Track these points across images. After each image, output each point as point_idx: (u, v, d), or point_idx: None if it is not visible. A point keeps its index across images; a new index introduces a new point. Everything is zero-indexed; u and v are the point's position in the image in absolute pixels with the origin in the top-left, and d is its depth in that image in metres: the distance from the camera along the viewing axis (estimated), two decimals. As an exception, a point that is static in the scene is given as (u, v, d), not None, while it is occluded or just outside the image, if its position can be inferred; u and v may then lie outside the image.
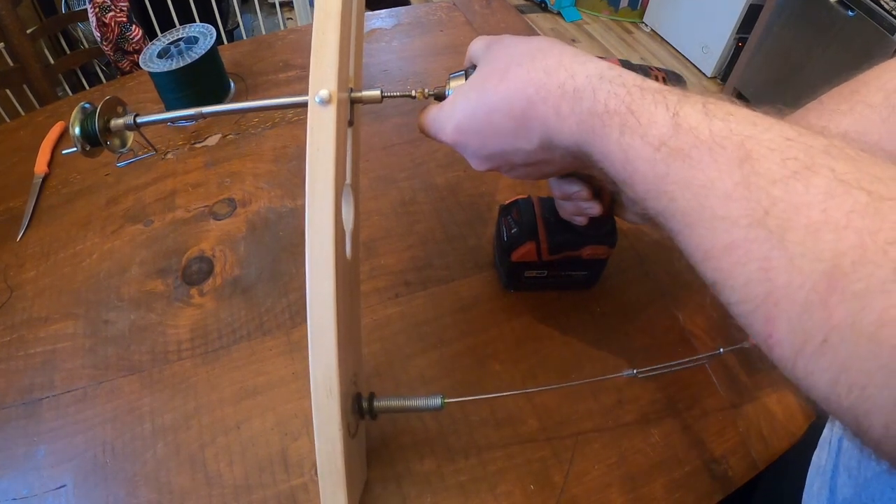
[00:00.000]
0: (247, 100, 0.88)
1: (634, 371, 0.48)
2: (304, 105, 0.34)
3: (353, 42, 0.41)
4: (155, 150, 0.49)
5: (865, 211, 0.21)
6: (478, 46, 0.41)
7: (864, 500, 0.38)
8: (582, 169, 0.41)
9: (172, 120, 0.43)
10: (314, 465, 0.50)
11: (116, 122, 0.43)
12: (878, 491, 0.37)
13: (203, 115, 0.43)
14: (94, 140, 0.42)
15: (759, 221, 0.24)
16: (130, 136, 0.46)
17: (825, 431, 0.48)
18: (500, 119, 0.36)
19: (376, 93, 0.41)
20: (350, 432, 0.38)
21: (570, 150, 0.34)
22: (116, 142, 0.45)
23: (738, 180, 0.25)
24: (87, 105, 0.43)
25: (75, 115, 0.42)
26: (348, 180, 0.38)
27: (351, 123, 0.41)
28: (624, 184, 0.31)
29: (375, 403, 0.45)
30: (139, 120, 0.43)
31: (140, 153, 0.47)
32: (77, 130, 0.42)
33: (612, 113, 0.30)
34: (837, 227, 0.21)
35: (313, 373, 0.33)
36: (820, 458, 0.47)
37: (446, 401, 0.45)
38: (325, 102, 0.33)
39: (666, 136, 0.28)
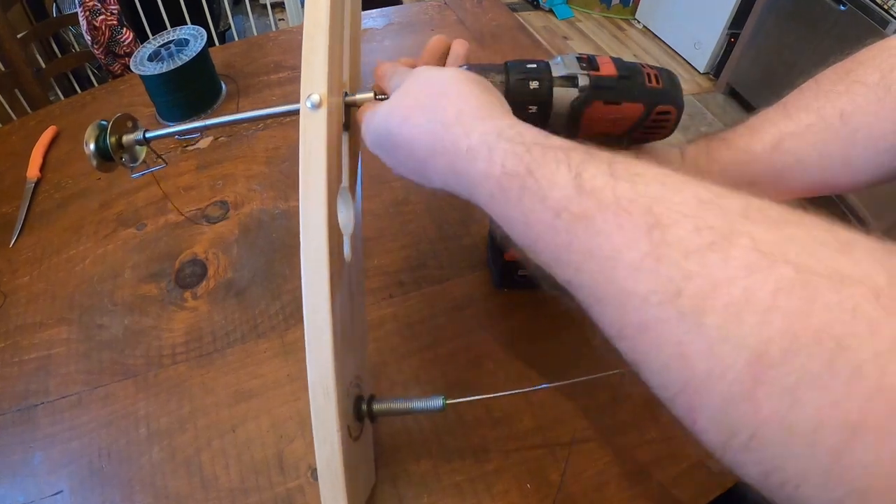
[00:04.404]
0: (238, 101, 0.88)
1: None
2: (297, 112, 0.34)
3: (346, 45, 0.41)
4: (165, 162, 0.51)
5: (793, 289, 0.19)
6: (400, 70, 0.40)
7: None
8: None
9: (179, 133, 0.45)
10: (310, 467, 0.50)
11: (128, 138, 0.45)
12: None
13: (207, 128, 0.44)
14: (107, 156, 0.44)
15: (671, 300, 0.21)
16: (143, 151, 0.47)
17: None
18: (405, 157, 0.36)
19: (369, 95, 0.41)
20: (351, 435, 0.38)
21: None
22: (128, 156, 0.46)
23: (646, 251, 0.22)
24: (103, 122, 0.44)
25: (90, 132, 0.43)
26: (345, 183, 0.38)
27: (347, 127, 0.41)
28: (529, 250, 0.29)
29: (375, 406, 0.44)
30: (148, 135, 0.45)
31: (152, 165, 0.49)
32: (91, 147, 0.43)
33: (511, 175, 0.28)
34: (762, 309, 0.19)
35: (310, 373, 0.33)
36: None
37: (448, 402, 0.45)
38: (316, 107, 0.33)
39: (567, 199, 0.25)
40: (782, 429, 0.18)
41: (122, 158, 0.45)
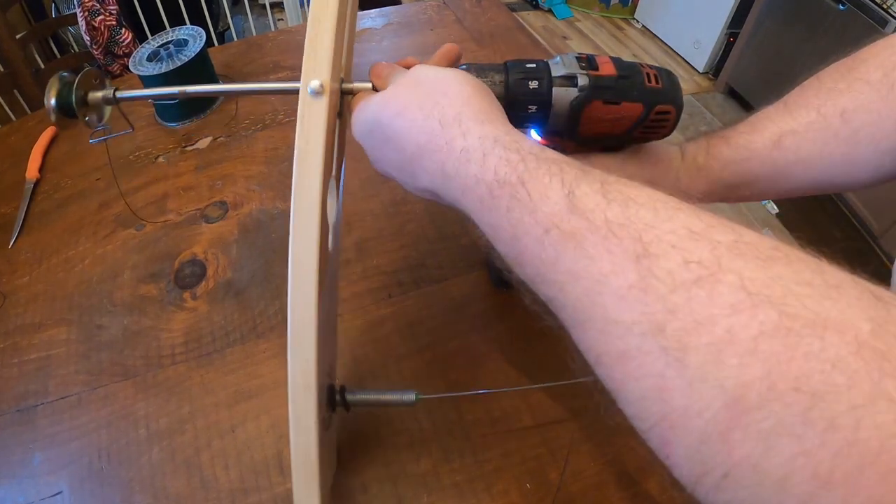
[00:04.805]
0: (237, 101, 0.88)
1: None
2: (294, 92, 0.33)
3: (346, 32, 0.41)
4: (132, 126, 0.46)
5: (775, 334, 0.18)
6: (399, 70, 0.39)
7: None
8: None
9: (155, 97, 0.41)
10: (310, 467, 0.50)
11: (94, 95, 0.41)
12: None
13: (187, 94, 0.41)
14: (69, 111, 0.40)
15: (653, 333, 0.21)
16: (108, 111, 0.43)
17: None
18: (392, 153, 0.35)
19: (367, 85, 0.40)
20: (325, 426, 0.38)
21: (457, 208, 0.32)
22: (93, 116, 0.42)
23: (633, 281, 0.22)
24: (65, 74, 0.40)
25: (52, 83, 0.39)
26: (334, 173, 0.38)
27: (340, 115, 0.40)
28: (514, 263, 0.28)
29: (348, 397, 0.45)
30: (119, 95, 0.41)
31: (116, 131, 0.45)
32: (52, 101, 0.39)
33: (503, 182, 0.27)
34: (743, 352, 0.19)
35: (292, 368, 0.33)
36: None
37: (421, 397, 0.46)
38: (317, 94, 0.31)
39: (558, 216, 0.25)
40: (754, 473, 0.18)
41: (85, 117, 0.41)
